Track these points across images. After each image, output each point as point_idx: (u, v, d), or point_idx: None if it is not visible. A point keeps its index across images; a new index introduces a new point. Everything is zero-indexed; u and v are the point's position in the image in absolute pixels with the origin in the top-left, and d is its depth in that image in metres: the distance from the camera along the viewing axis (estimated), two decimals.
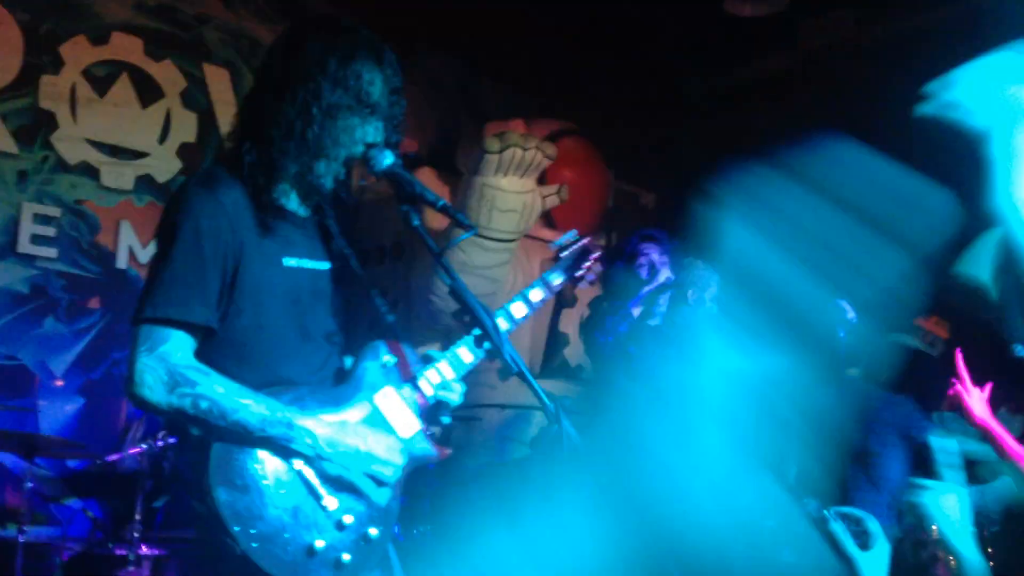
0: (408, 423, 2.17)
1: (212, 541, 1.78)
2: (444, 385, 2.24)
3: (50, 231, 5.10)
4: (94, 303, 5.23)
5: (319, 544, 1.89)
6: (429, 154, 6.35)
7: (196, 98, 5.72)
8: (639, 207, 7.48)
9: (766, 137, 6.42)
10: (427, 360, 2.26)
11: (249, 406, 1.87)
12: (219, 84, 5.79)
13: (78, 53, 5.30)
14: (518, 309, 2.50)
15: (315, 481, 1.93)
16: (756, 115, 6.51)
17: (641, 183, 7.42)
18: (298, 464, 1.92)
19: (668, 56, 6.51)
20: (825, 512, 1.57)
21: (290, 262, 2.08)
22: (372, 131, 2.14)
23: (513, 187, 5.43)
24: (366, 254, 6.18)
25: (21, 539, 3.97)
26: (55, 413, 5.00)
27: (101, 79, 5.38)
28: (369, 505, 2.02)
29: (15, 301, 4.99)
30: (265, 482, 1.86)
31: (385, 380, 2.18)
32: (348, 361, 2.23)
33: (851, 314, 3.52)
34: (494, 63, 6.60)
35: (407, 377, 2.22)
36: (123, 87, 5.46)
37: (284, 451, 1.89)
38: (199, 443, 1.85)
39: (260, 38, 5.89)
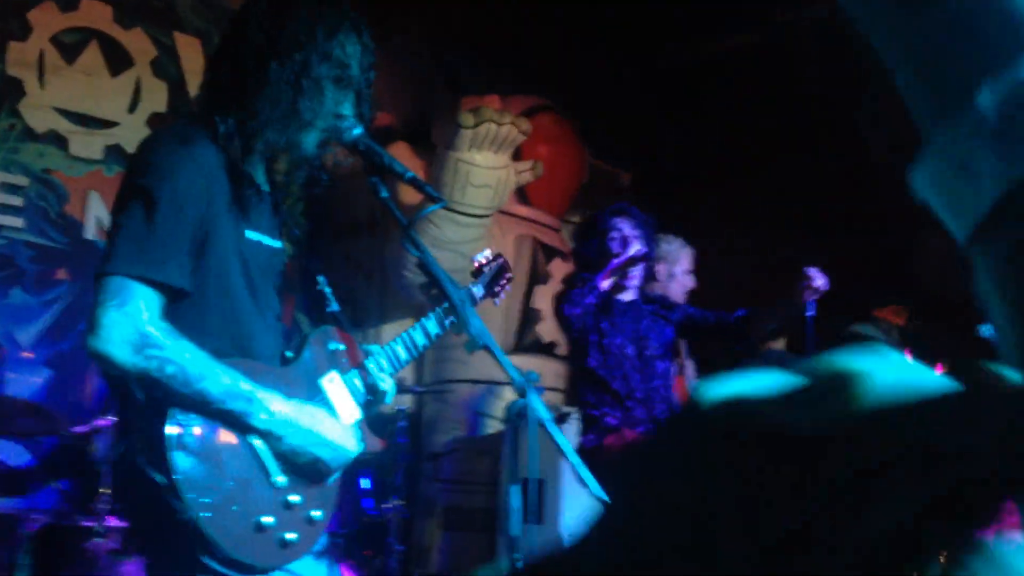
0: (350, 411, 2.16)
1: (161, 508, 1.76)
2: (379, 377, 2.26)
3: (17, 201, 5.03)
4: (62, 274, 5.17)
5: (267, 520, 1.88)
6: (404, 128, 6.31)
7: (166, 67, 5.65)
8: (615, 185, 7.47)
9: (742, 113, 6.46)
10: (366, 354, 2.28)
11: (214, 375, 1.84)
12: (190, 53, 5.72)
13: (47, 20, 5.22)
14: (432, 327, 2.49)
15: (267, 458, 1.92)
16: (731, 90, 6.51)
17: (618, 162, 7.41)
18: (254, 439, 1.90)
19: (644, 32, 6.49)
20: None
21: (251, 235, 2.06)
22: (348, 104, 2.13)
23: (487, 162, 5.41)
24: (340, 228, 6.15)
25: None
26: (22, 385, 4.95)
27: (70, 46, 5.30)
28: (315, 487, 2.01)
29: None
30: (219, 453, 1.85)
31: (331, 366, 2.18)
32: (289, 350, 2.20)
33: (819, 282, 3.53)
34: (469, 38, 6.55)
35: (354, 364, 2.22)
36: (92, 55, 5.38)
37: (239, 425, 1.87)
38: (155, 407, 1.82)
39: (232, 7, 5.81)
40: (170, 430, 1.79)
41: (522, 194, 6.21)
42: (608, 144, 7.11)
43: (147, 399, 1.83)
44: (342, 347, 2.23)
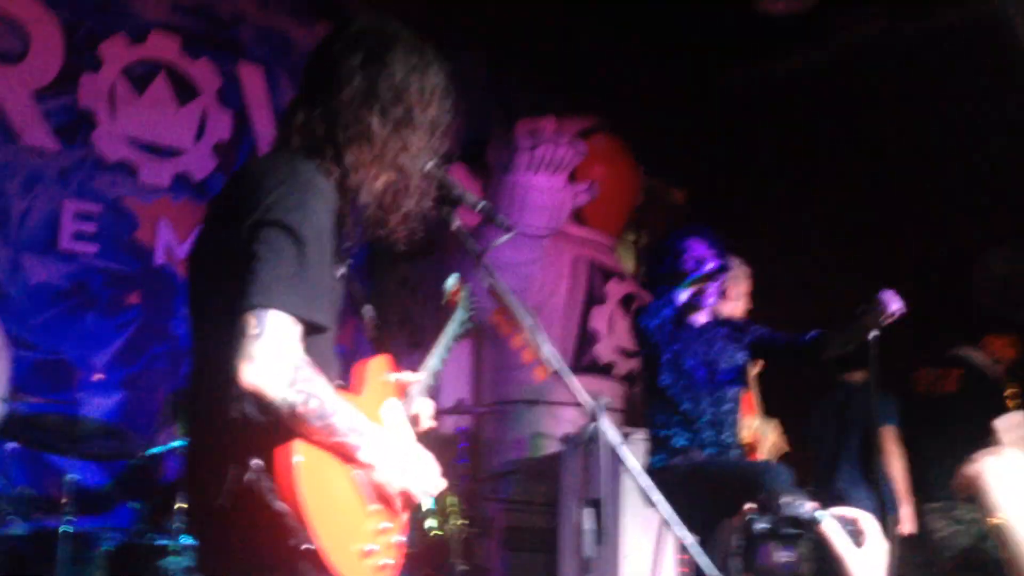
0: (408, 439, 2.20)
1: (278, 536, 1.80)
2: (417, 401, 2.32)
3: (90, 227, 5.20)
4: (133, 298, 5.32)
5: (368, 547, 1.94)
6: (460, 150, 6.39)
7: (231, 96, 5.80)
8: (669, 203, 7.49)
9: (795, 133, 6.46)
10: (409, 381, 2.32)
11: (343, 410, 1.88)
12: (254, 82, 5.87)
13: (117, 52, 5.39)
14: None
15: (365, 487, 1.98)
16: (786, 110, 6.51)
17: (671, 179, 7.43)
18: (349, 465, 1.95)
19: (698, 51, 6.52)
20: (816, 514, 1.58)
21: (340, 270, 2.10)
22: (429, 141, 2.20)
23: (544, 184, 5.47)
24: (397, 254, 6.24)
25: (63, 529, 4.07)
26: (95, 407, 5.09)
27: (139, 77, 5.47)
28: (401, 515, 2.08)
29: (57, 296, 5.08)
30: (330, 482, 1.91)
31: (387, 394, 2.23)
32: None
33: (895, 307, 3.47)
34: (523, 59, 6.63)
35: (403, 392, 2.27)
36: (160, 85, 5.55)
37: (347, 456, 1.92)
38: (281, 436, 1.84)
39: (293, 37, 5.95)
40: (298, 460, 1.83)
41: (577, 214, 6.27)
42: (662, 162, 7.14)
43: (270, 428, 1.86)
44: (394, 376, 2.28)
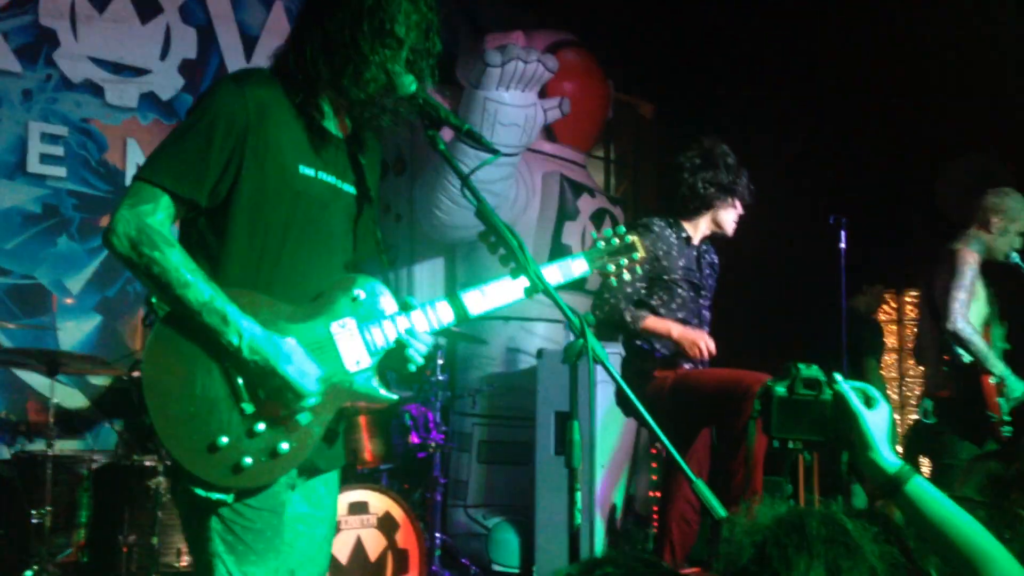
0: (358, 358, 2.19)
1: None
2: (411, 332, 2.25)
3: (58, 150, 5.13)
4: (105, 221, 5.26)
5: (223, 440, 1.98)
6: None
7: (195, 13, 5.68)
8: (638, 117, 7.50)
9: (760, 44, 6.45)
10: (404, 307, 2.28)
11: (194, 286, 1.98)
12: None
13: None
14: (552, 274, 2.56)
15: (240, 383, 2.02)
16: (753, 21, 6.49)
17: (639, 93, 7.42)
18: (227, 361, 2.01)
19: None
20: (834, 373, 1.69)
21: (306, 170, 2.17)
22: (399, 61, 2.22)
23: (515, 101, 5.45)
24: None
25: (50, 452, 4.12)
26: (73, 330, 5.10)
27: None
28: (287, 421, 2.07)
29: (28, 220, 5.04)
30: (190, 368, 1.99)
31: (349, 311, 2.21)
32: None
33: None
34: None
35: (375, 315, 2.24)
36: (121, 3, 5.42)
37: (217, 343, 1.99)
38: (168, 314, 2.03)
39: None
40: (152, 339, 2.00)
41: (548, 131, 6.26)
42: (631, 76, 7.12)
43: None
44: (369, 296, 2.25)
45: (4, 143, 5.01)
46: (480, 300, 2.37)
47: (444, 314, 2.32)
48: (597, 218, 6.45)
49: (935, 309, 4.50)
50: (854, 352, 5.27)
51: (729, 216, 4.08)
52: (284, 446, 2.06)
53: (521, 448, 5.64)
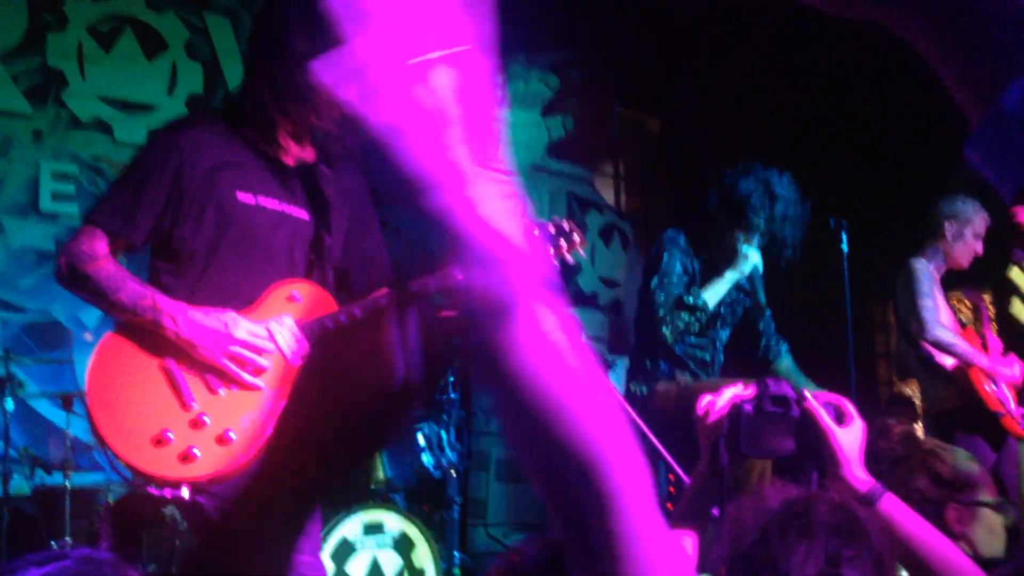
0: (293, 351, 2.24)
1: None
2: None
3: (70, 188, 5.21)
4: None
5: (169, 434, 2.05)
6: None
7: (200, 48, 5.77)
8: (645, 133, 7.51)
9: (772, 59, 6.45)
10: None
11: (126, 288, 2.12)
12: (221, 33, 5.84)
13: (81, 9, 5.35)
14: None
15: (181, 377, 2.10)
16: (758, 37, 6.51)
17: (646, 109, 7.43)
18: (169, 359, 2.11)
19: None
20: (802, 392, 1.66)
21: (245, 198, 2.24)
22: None
23: (517, 120, 5.50)
24: (377, 196, 6.26)
25: (68, 486, 4.17)
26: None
27: (105, 34, 5.43)
28: (235, 407, 2.13)
29: (42, 258, 5.11)
30: (131, 367, 2.09)
31: (285, 312, 2.28)
32: None
33: None
34: None
35: (314, 314, 2.30)
36: (128, 41, 5.52)
37: (159, 335, 2.10)
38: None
39: None
40: (100, 344, 2.15)
41: (553, 149, 6.30)
42: (636, 92, 7.14)
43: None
44: (304, 298, 2.31)
45: (16, 183, 5.10)
46: None
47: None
48: (606, 234, 6.48)
49: (906, 330, 4.46)
50: None
51: None
52: (232, 434, 2.11)
53: None
